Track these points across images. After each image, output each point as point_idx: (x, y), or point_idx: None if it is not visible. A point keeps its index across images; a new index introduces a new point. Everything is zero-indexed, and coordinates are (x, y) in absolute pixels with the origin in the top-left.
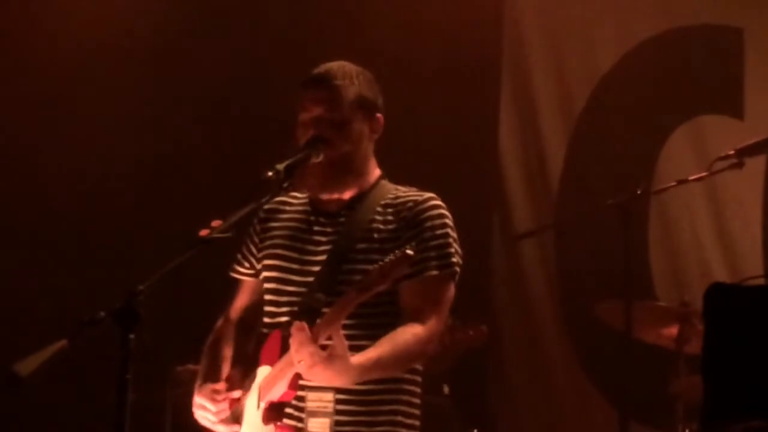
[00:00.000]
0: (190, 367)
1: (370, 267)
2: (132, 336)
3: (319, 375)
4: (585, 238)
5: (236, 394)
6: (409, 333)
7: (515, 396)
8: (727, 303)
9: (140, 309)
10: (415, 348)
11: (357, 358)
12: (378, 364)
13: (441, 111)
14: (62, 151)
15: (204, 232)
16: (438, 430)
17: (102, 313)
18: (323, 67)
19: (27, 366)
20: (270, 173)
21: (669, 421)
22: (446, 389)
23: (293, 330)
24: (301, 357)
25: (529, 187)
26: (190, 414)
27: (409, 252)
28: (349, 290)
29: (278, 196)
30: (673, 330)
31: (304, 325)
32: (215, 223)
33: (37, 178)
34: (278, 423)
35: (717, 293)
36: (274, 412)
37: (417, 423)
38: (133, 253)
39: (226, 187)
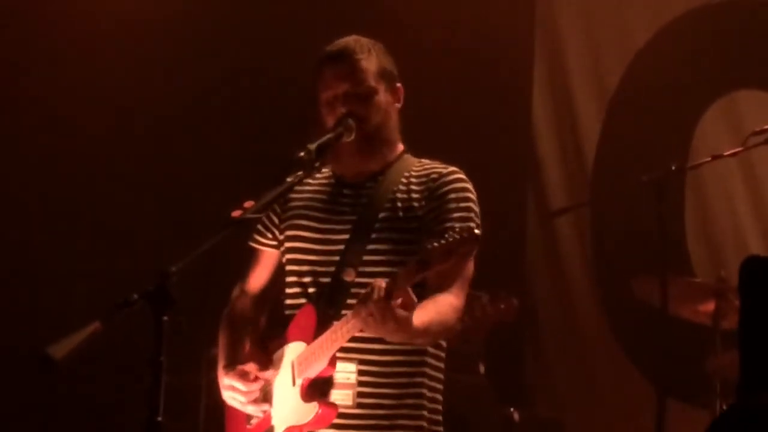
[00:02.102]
0: None
1: (396, 236)
2: (165, 318)
3: (383, 330)
4: (620, 215)
5: (268, 374)
6: (447, 302)
7: (552, 374)
8: (764, 276)
9: (173, 291)
10: (452, 318)
11: (414, 319)
12: (427, 329)
13: (475, 88)
14: (97, 133)
15: (237, 213)
16: (474, 409)
17: (135, 296)
18: (339, 43)
19: (61, 349)
20: (302, 153)
21: (706, 398)
22: (482, 368)
23: (372, 285)
24: (371, 311)
25: (564, 163)
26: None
27: (477, 232)
28: (408, 263)
29: (310, 175)
30: (709, 306)
31: (382, 282)
32: (248, 203)
33: (71, 162)
34: (321, 400)
35: (753, 266)
36: (315, 388)
37: (440, 397)
38: (167, 236)
39: (259, 167)
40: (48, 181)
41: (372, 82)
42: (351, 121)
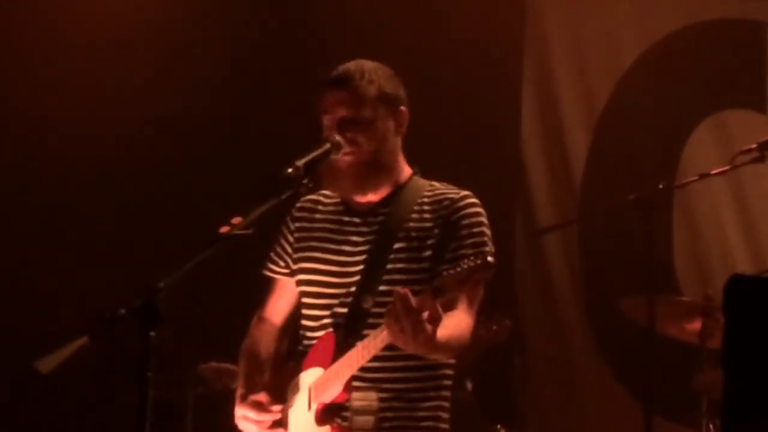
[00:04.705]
0: (213, 364)
1: (411, 266)
2: (152, 333)
3: (412, 343)
4: (608, 233)
5: (277, 407)
6: (463, 320)
7: (539, 391)
8: (748, 295)
9: (160, 306)
10: (467, 335)
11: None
12: (447, 343)
13: (463, 106)
14: (83, 149)
15: (224, 229)
16: (462, 426)
17: (122, 311)
18: (341, 69)
19: (48, 363)
20: (290, 170)
21: (693, 417)
22: (469, 385)
23: (396, 297)
24: (404, 325)
25: (552, 181)
26: (212, 412)
27: (490, 260)
28: (424, 290)
29: (299, 192)
30: (696, 325)
31: (408, 293)
32: (236, 220)
33: (58, 177)
34: (334, 424)
35: (737, 286)
36: (328, 413)
37: (448, 416)
38: (155, 251)
39: (247, 183)
40: (34, 192)
41: (369, 109)
42: (338, 137)
